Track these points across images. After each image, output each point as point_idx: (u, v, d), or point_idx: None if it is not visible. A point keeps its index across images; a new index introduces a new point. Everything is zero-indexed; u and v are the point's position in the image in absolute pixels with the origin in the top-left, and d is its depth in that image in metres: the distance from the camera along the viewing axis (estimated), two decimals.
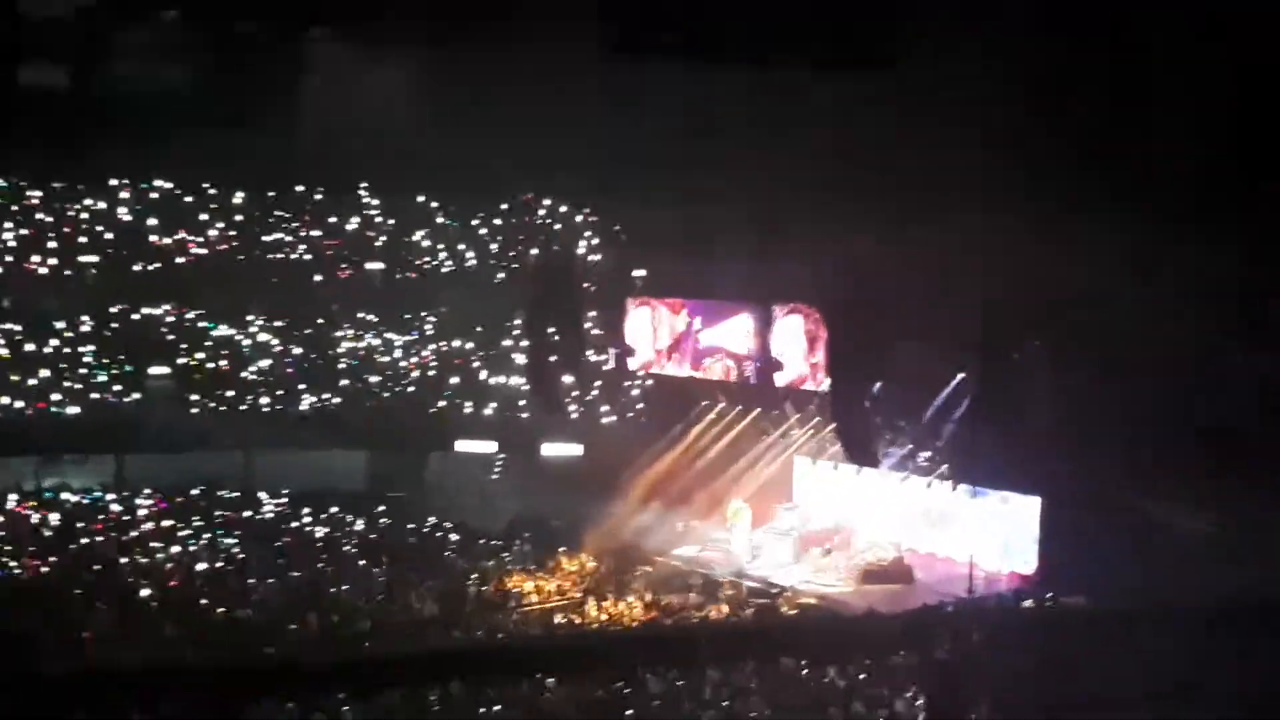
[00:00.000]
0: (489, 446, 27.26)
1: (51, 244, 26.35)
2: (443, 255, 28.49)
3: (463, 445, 27.14)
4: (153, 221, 27.18)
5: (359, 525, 24.21)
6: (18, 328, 25.96)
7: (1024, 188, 18.03)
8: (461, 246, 28.55)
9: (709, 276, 25.21)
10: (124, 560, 21.19)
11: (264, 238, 27.58)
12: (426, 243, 28.57)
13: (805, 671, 11.94)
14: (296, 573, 20.46)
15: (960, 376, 22.58)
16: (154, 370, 26.21)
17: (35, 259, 26.25)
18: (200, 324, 26.82)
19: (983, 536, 22.37)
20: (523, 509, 25.49)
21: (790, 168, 20.82)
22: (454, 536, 23.78)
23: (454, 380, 27.94)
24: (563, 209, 28.62)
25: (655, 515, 25.39)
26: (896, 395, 22.93)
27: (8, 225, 26.26)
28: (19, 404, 25.55)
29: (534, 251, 28.27)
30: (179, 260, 27.05)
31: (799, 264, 23.07)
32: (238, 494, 25.05)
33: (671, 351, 26.70)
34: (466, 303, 28.00)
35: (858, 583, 22.24)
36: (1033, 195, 17.95)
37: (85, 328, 26.34)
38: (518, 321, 27.98)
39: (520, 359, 28.00)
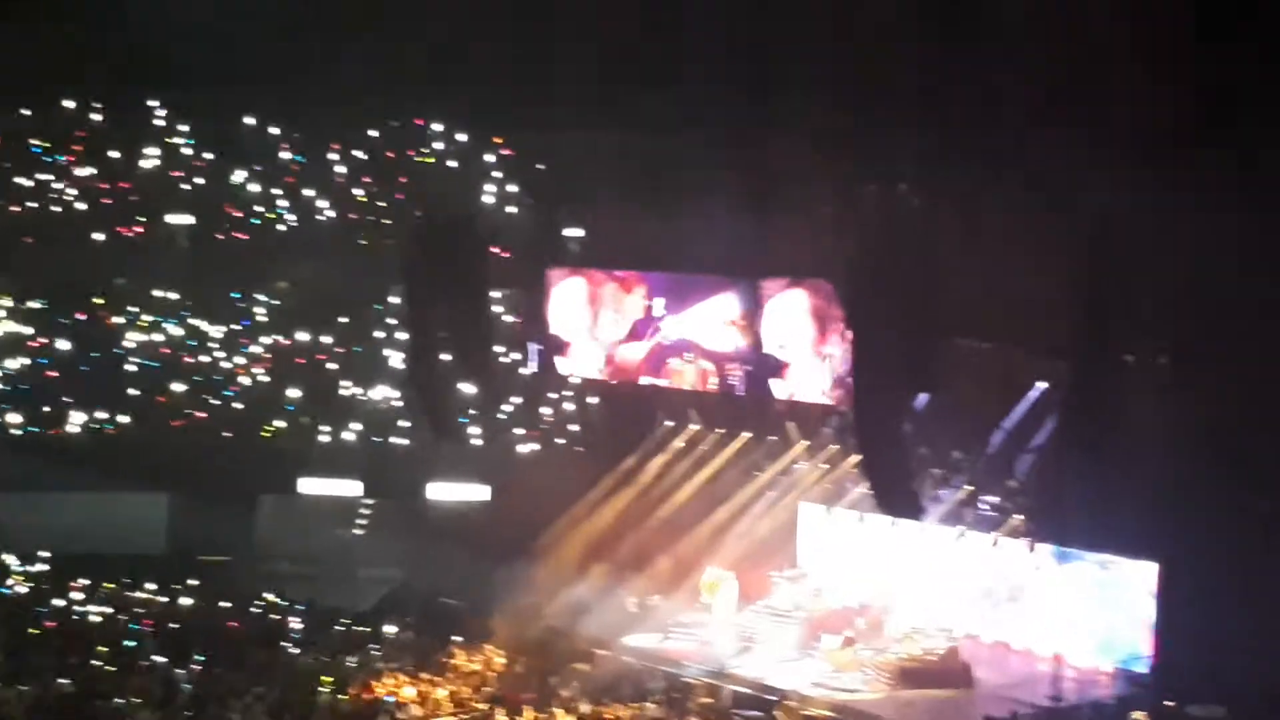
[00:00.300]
0: (350, 488, 27.36)
1: None
2: (281, 205, 28.18)
3: (311, 486, 27.23)
4: None
5: (156, 603, 24.10)
6: None
7: (1146, 114, 18.19)
8: (310, 192, 28.45)
9: (675, 238, 25.22)
10: None
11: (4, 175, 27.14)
12: (255, 186, 28.27)
13: None
14: (63, 679, 20.02)
15: (1042, 388, 22.63)
16: None
17: None
18: None
19: (1074, 619, 22.41)
20: (401, 579, 25.67)
21: (793, 77, 20.75)
22: (297, 621, 23.75)
23: (297, 391, 27.98)
24: (461, 139, 28.24)
25: (597, 588, 25.40)
26: (950, 414, 22.90)
27: None
28: None
29: (419, 203, 27.94)
30: None
31: (807, 221, 23.20)
32: None
33: (622, 348, 26.56)
34: (317, 276, 28.21)
35: (893, 686, 22.19)
36: (1159, 129, 18.13)
37: None
38: (394, 304, 27.89)
39: (397, 360, 28.01)
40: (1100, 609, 22.44)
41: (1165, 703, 19.30)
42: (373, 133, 28.46)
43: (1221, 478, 19.81)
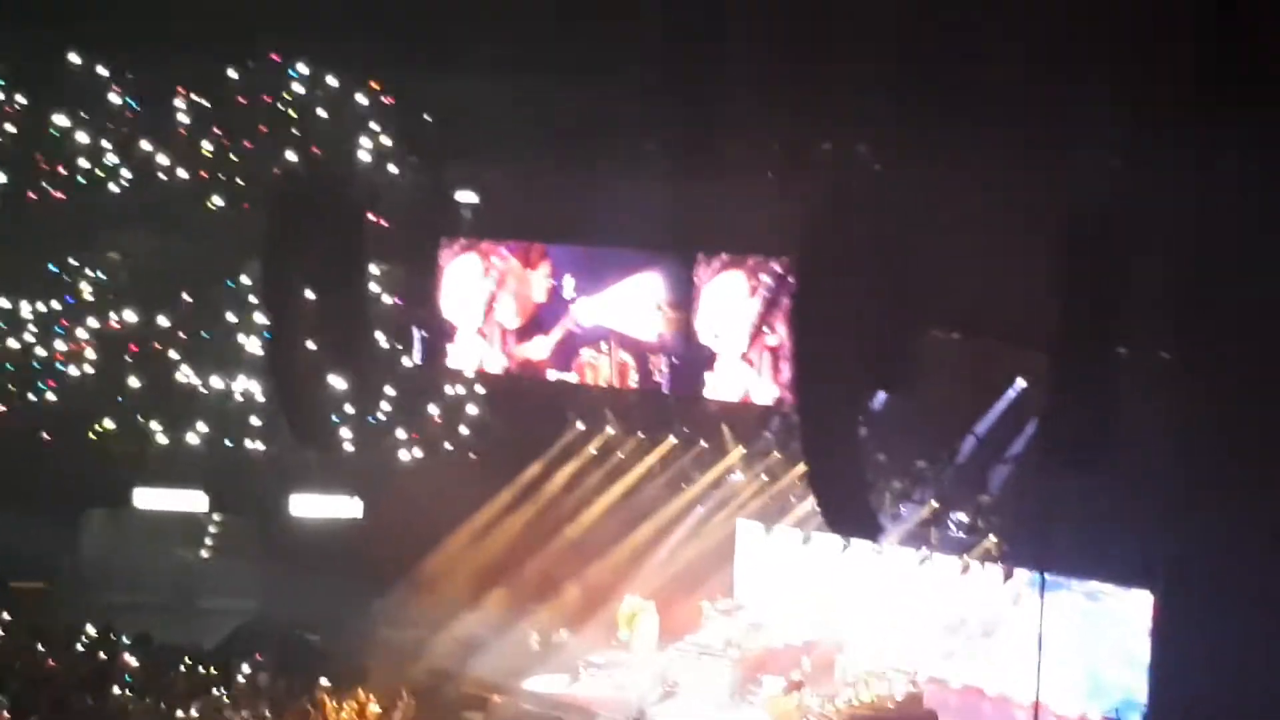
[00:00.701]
0: (194, 501, 27.52)
1: None
2: (111, 161, 27.79)
3: (148, 498, 27.41)
4: None
5: None
6: None
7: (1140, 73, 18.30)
8: (147, 146, 27.88)
9: (589, 205, 25.09)
10: None
11: None
12: (80, 137, 27.74)
13: None
14: None
15: (1021, 387, 22.94)
16: None
17: None
18: None
19: (1057, 658, 22.34)
20: (255, 611, 25.70)
21: (737, 12, 20.72)
22: (130, 659, 23.49)
23: (129, 381, 27.54)
24: (332, 82, 27.84)
25: (493, 621, 25.56)
26: (913, 417, 22.89)
27: None
28: None
29: (280, 158, 27.63)
30: None
31: (749, 187, 23.16)
32: None
33: (525, 336, 26.75)
34: (155, 247, 27.81)
35: None
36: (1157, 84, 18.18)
37: None
38: (247, 282, 27.55)
39: (253, 347, 27.69)
40: (1087, 647, 22.67)
41: None
42: (228, 73, 27.86)
43: (1228, 493, 19.82)
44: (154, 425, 27.57)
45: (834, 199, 21.22)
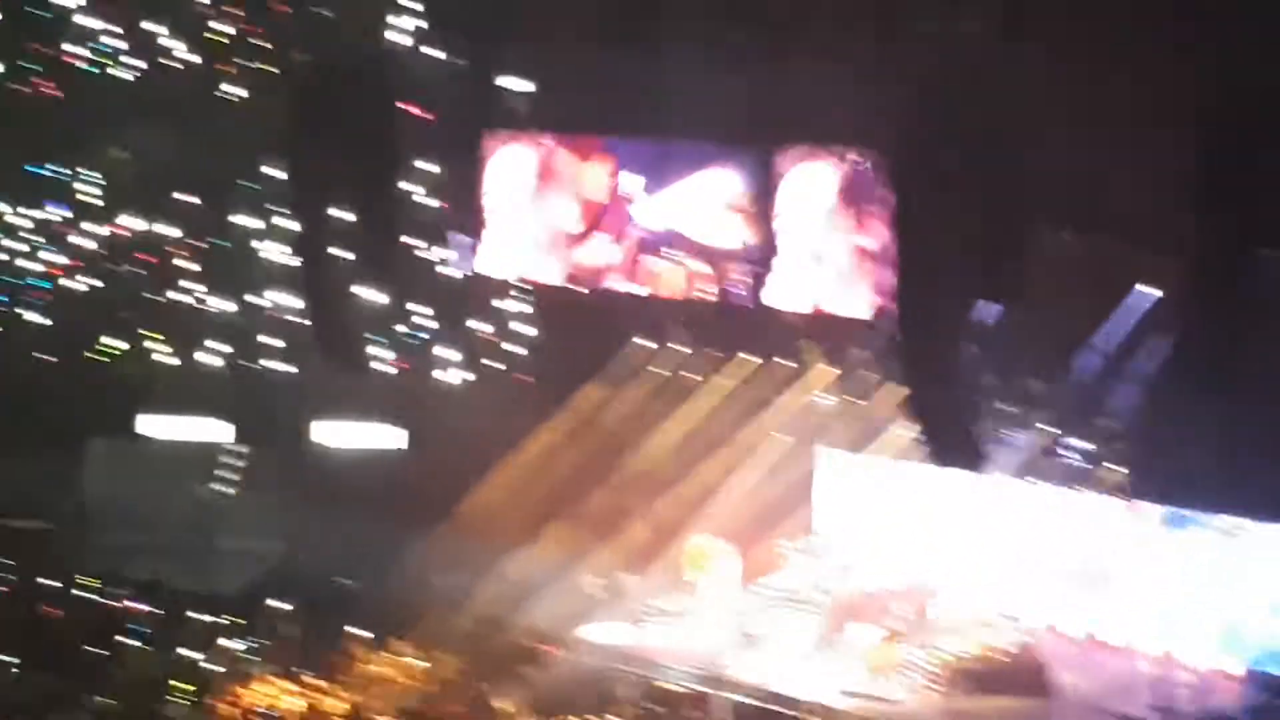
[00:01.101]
0: (212, 430, 27.63)
1: None
2: (111, 45, 28.02)
3: (159, 427, 27.52)
4: None
5: None
6: None
7: None
8: (153, 28, 28.12)
9: (655, 93, 25.07)
10: None
11: None
12: (81, 18, 28.02)
13: None
14: None
15: (1148, 293, 22.81)
16: None
17: None
18: None
19: (1190, 604, 22.64)
20: (281, 553, 26.00)
21: None
22: (141, 605, 23.98)
23: (136, 296, 27.87)
24: None
25: (547, 564, 25.77)
26: (1026, 330, 23.01)
27: None
28: None
29: (305, 45, 27.84)
30: None
31: (837, 69, 22.94)
32: None
33: (583, 241, 26.72)
34: (163, 144, 27.79)
35: (948, 693, 22.56)
36: None
37: None
38: (271, 181, 27.69)
39: (275, 257, 27.82)
40: (1225, 591, 22.58)
41: None
42: None
43: None
44: (165, 345, 27.82)
45: (937, 81, 21.37)
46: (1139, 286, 22.86)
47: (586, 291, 26.75)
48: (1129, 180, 21.07)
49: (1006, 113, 20.88)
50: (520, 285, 27.81)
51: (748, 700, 22.36)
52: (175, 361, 27.90)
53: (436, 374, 27.96)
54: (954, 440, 23.40)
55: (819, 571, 24.78)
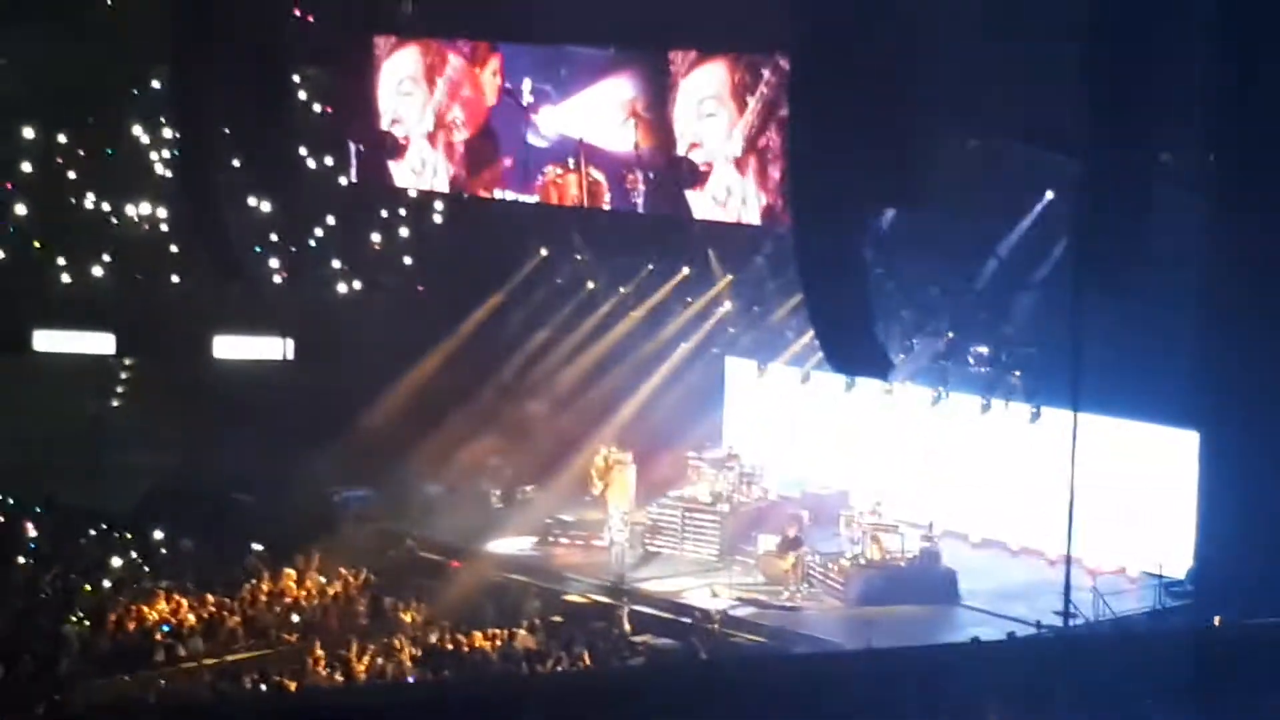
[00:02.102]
0: (101, 343, 27.58)
1: None
2: None
3: (48, 341, 27.44)
4: None
5: None
6: None
7: None
8: None
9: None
10: None
11: None
12: None
13: None
14: None
15: (1048, 198, 22.97)
16: None
17: None
18: None
19: (1091, 509, 22.75)
20: (174, 468, 25.75)
21: None
22: (31, 528, 23.88)
23: (21, 209, 27.64)
24: None
25: (447, 477, 25.92)
26: (926, 236, 23.16)
27: None
28: None
29: None
30: None
31: None
32: None
33: (476, 149, 26.65)
34: (48, 50, 27.43)
35: (850, 599, 22.78)
36: None
37: None
38: (157, 89, 27.56)
39: (162, 167, 27.73)
40: (1126, 495, 23.15)
41: (1209, 619, 19.70)
42: None
43: None
44: (51, 257, 27.67)
45: None
46: (1039, 192, 22.97)
47: (480, 199, 26.60)
48: (1029, 87, 21.06)
49: (906, 17, 20.73)
50: (411, 194, 27.73)
51: (650, 610, 22.50)
52: (64, 275, 27.77)
53: (327, 285, 27.86)
54: (856, 348, 23.34)
55: (723, 481, 24.93)
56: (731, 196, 24.39)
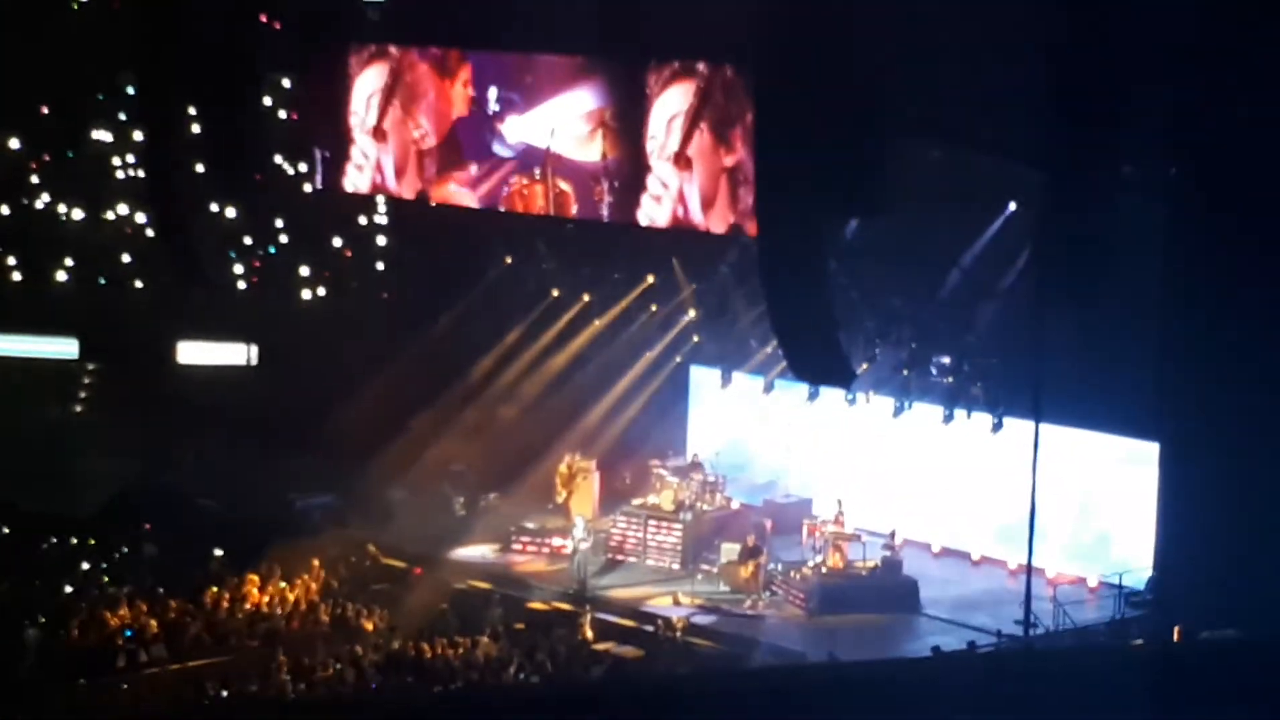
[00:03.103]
0: (63, 347, 27.49)
1: None
2: None
3: (9, 345, 27.40)
4: None
5: None
6: None
7: None
8: None
9: (517, 4, 24.91)
10: None
11: None
12: None
13: None
14: None
15: (1011, 209, 23.15)
16: None
17: None
18: None
19: (1051, 518, 23.05)
20: (137, 473, 25.66)
21: None
22: None
23: None
24: None
25: (411, 484, 25.98)
26: (890, 246, 23.18)
27: None
28: None
29: None
30: None
31: None
32: None
33: (443, 159, 26.45)
34: (7, 50, 26.89)
35: (811, 607, 22.84)
36: None
37: None
38: (123, 92, 27.44)
39: (127, 171, 27.67)
40: (1085, 506, 23.34)
41: (1171, 629, 19.83)
42: None
43: (1251, 330, 20.23)
44: (13, 261, 27.51)
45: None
46: (1002, 201, 23.08)
47: (446, 206, 26.51)
48: (993, 98, 21.11)
49: (870, 26, 20.80)
50: (378, 201, 27.73)
51: (612, 618, 22.57)
52: (23, 278, 27.61)
53: (292, 291, 27.83)
54: (819, 357, 23.34)
55: (686, 490, 24.98)
56: (695, 207, 24.23)
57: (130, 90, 27.00)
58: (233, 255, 27.41)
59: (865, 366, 24.06)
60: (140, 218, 27.47)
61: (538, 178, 25.42)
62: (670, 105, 24.15)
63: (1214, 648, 16.06)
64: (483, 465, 26.49)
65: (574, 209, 25.39)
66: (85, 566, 22.90)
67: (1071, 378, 21.36)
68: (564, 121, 25.08)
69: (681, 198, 24.34)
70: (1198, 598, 20.10)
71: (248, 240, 27.51)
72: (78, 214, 27.57)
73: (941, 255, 23.72)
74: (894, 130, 21.64)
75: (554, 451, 25.91)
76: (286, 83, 27.44)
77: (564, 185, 25.31)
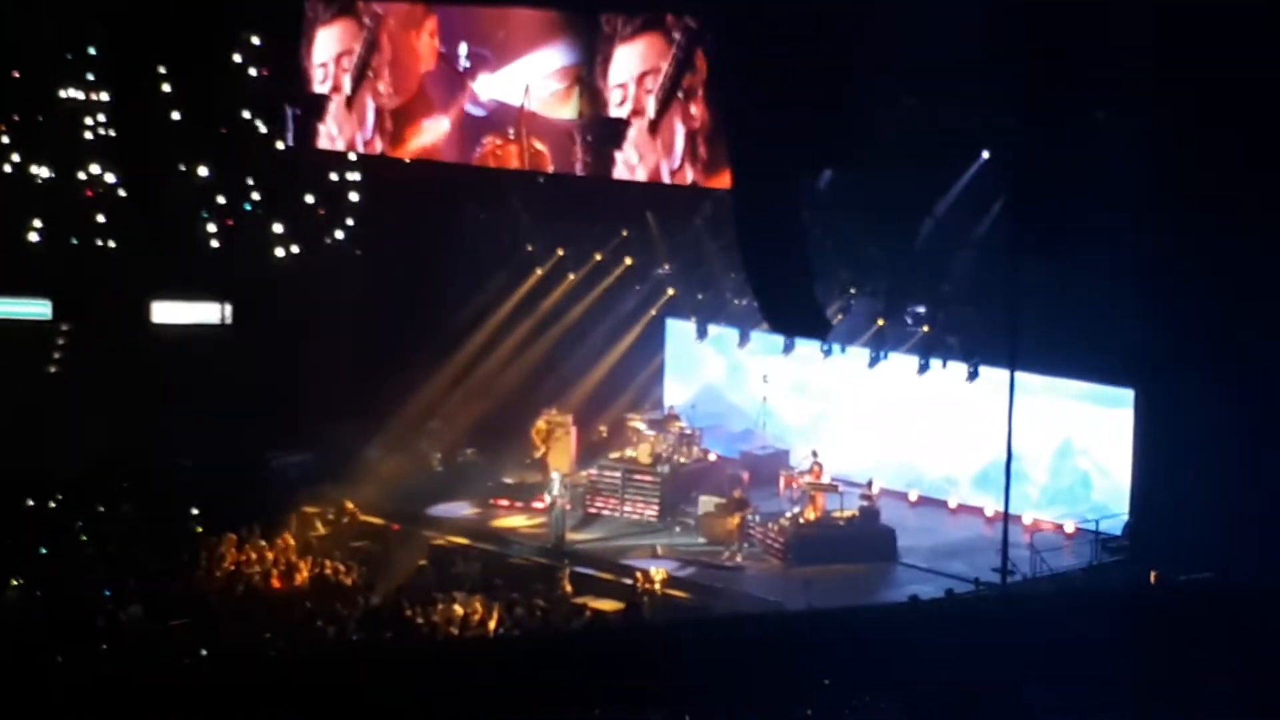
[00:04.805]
0: (34, 308, 27.27)
1: None
2: None
3: None
4: None
5: None
6: None
7: None
8: None
9: None
10: None
11: None
12: None
13: None
14: None
15: (984, 157, 23.02)
16: None
17: None
18: None
19: (1027, 467, 23.44)
20: (113, 435, 25.45)
21: None
22: None
23: None
24: None
25: (386, 440, 25.87)
26: (862, 196, 22.99)
27: None
28: None
29: None
30: None
31: None
32: None
33: (412, 116, 26.20)
34: None
35: (789, 559, 22.85)
36: None
37: None
38: (93, 54, 27.16)
39: (99, 130, 27.45)
40: (1061, 454, 23.46)
41: (1148, 573, 19.89)
42: None
43: (1224, 277, 20.29)
44: None
45: None
46: (974, 149, 22.98)
47: (418, 162, 26.39)
48: (965, 44, 20.99)
49: None
50: (350, 158, 27.41)
51: (591, 571, 22.59)
52: None
53: (265, 249, 27.64)
54: (794, 308, 23.31)
55: (663, 444, 24.98)
56: (668, 159, 24.15)
57: (97, 51, 26.83)
58: (205, 214, 27.22)
59: (840, 317, 24.06)
60: (111, 177, 27.30)
61: (512, 137, 25.19)
62: (633, 58, 24.04)
63: (1190, 592, 16.23)
64: (460, 421, 26.45)
65: (550, 168, 25.17)
66: (64, 527, 22.85)
67: (1046, 325, 21.33)
68: (538, 79, 24.86)
69: (654, 152, 24.27)
70: (1173, 542, 20.25)
71: (220, 199, 27.32)
72: (47, 174, 27.37)
73: (915, 205, 23.58)
74: (867, 81, 21.69)
75: (531, 407, 25.78)
76: (256, 39, 27.24)
77: (539, 145, 25.08)
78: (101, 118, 27.31)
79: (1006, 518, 21.01)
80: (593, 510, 24.49)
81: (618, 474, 24.70)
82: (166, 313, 27.14)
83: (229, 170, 27.25)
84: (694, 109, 23.62)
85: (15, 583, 20.78)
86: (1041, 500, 23.68)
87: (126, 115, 27.09)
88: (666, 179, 24.26)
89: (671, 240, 26.36)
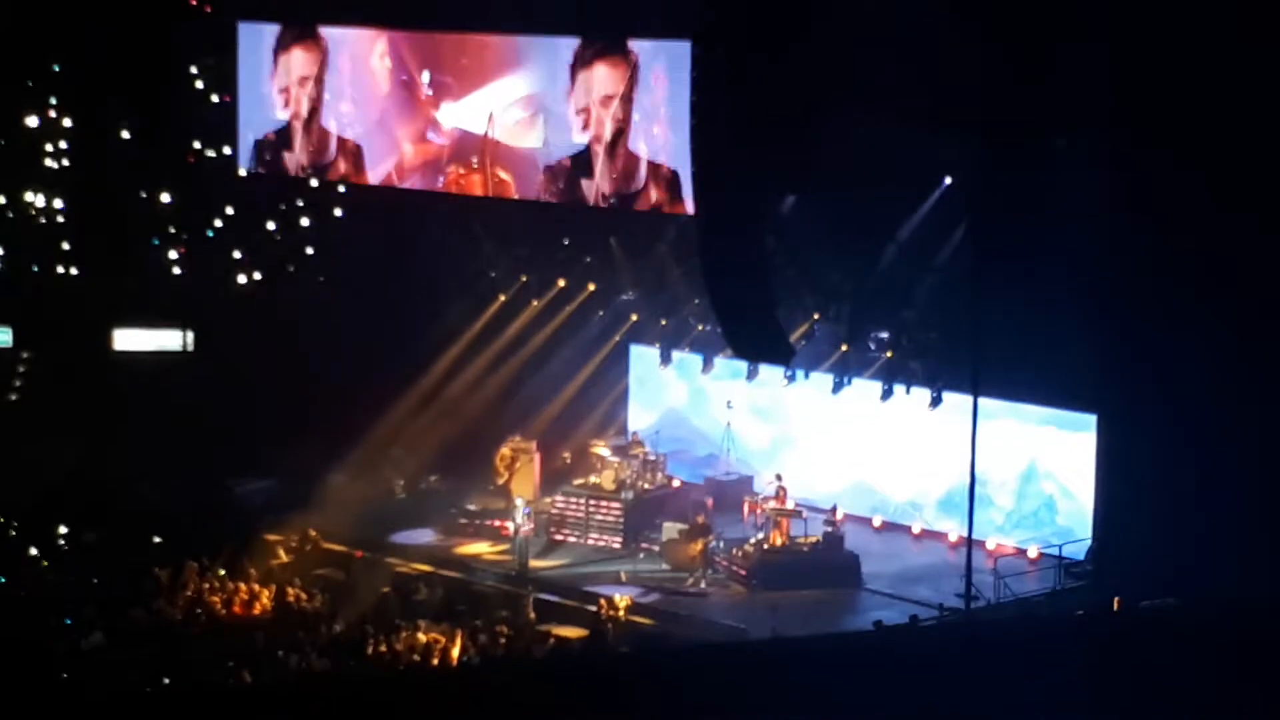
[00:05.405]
0: None
1: None
2: None
3: None
4: None
5: None
6: None
7: None
8: None
9: None
10: None
11: None
12: None
13: None
14: None
15: (946, 183, 23.19)
16: None
17: None
18: None
19: (990, 492, 23.47)
20: (74, 461, 25.29)
21: None
22: None
23: None
24: None
25: (350, 467, 25.84)
26: (826, 222, 23.18)
27: None
28: None
29: None
30: None
31: None
32: None
33: (372, 141, 26.42)
34: None
35: (753, 584, 22.88)
36: None
37: None
38: (54, 76, 27.24)
39: (59, 156, 27.41)
40: (1026, 478, 23.49)
41: (1111, 598, 19.90)
42: None
43: (1186, 303, 20.35)
44: None
45: None
46: (937, 176, 23.07)
47: (382, 189, 26.41)
48: (930, 71, 21.07)
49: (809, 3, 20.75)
50: (311, 183, 27.40)
51: (555, 598, 22.56)
52: None
53: (227, 275, 27.60)
54: (757, 334, 23.33)
55: (627, 470, 24.93)
56: (631, 185, 24.28)
57: (59, 75, 26.75)
58: (166, 241, 27.14)
59: (804, 343, 24.10)
60: (69, 204, 27.20)
61: (475, 166, 25.29)
62: (599, 83, 24.18)
63: (1153, 617, 16.21)
64: (423, 448, 26.35)
65: (515, 196, 25.28)
66: (24, 555, 22.76)
67: (1009, 350, 21.43)
68: (501, 107, 24.97)
69: (617, 176, 24.35)
70: (1136, 567, 20.30)
71: (181, 226, 27.24)
72: (4, 200, 27.28)
73: (878, 231, 23.67)
74: (830, 108, 21.74)
75: (494, 433, 25.77)
76: (215, 65, 27.21)
77: (503, 175, 25.15)
78: (63, 144, 27.22)
79: (970, 543, 20.97)
80: (557, 537, 24.45)
81: (581, 500, 24.65)
82: (128, 340, 27.02)
83: (190, 197, 27.20)
84: (656, 130, 23.72)
85: None
86: (1006, 525, 23.73)
87: (87, 142, 27.03)
88: (630, 204, 24.37)
89: (635, 265, 26.37)
